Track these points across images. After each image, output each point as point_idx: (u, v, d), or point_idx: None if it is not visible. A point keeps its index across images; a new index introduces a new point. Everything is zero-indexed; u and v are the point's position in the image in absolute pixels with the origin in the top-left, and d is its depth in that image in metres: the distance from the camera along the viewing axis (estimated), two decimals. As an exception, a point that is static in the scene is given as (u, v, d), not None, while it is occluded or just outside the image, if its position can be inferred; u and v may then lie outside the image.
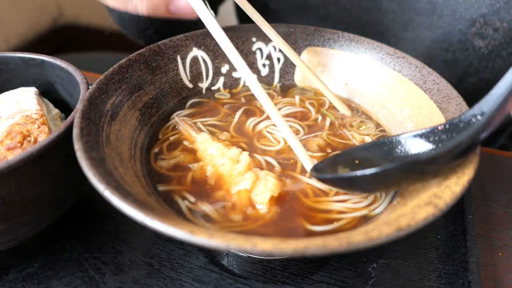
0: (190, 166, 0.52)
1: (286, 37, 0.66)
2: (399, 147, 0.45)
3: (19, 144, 0.49)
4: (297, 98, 0.65)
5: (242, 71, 0.48)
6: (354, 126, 0.59)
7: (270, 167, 0.52)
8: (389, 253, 0.53)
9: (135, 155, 0.51)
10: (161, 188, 0.49)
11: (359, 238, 0.34)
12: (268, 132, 0.58)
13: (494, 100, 0.39)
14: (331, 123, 0.60)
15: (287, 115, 0.62)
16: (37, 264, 0.52)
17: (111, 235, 0.55)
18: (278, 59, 0.68)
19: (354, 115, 0.61)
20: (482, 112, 0.40)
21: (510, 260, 0.53)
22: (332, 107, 0.63)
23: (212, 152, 0.52)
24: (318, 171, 0.47)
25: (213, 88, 0.66)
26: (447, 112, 0.51)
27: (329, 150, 0.55)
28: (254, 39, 0.67)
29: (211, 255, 0.52)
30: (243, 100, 0.65)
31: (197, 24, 0.56)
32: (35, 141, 0.50)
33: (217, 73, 0.66)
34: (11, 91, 0.59)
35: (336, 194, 0.49)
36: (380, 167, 0.41)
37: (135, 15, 0.85)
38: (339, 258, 0.52)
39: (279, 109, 0.63)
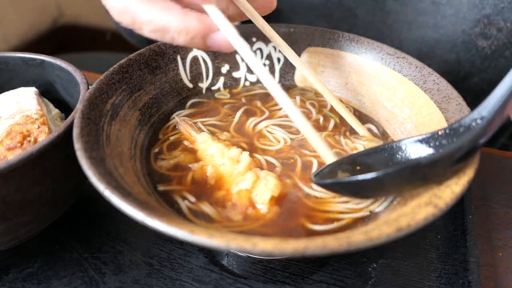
0: (190, 166, 0.52)
1: (286, 37, 0.66)
2: (400, 152, 0.45)
3: (19, 144, 0.49)
4: (297, 98, 0.65)
5: (256, 68, 0.47)
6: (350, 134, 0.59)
7: (271, 167, 0.52)
8: (389, 253, 0.53)
9: (135, 155, 0.51)
10: (161, 188, 0.49)
11: (359, 238, 0.34)
12: (268, 131, 0.58)
13: (493, 104, 0.39)
14: (335, 125, 0.60)
15: (287, 116, 0.62)
16: (37, 264, 0.52)
17: (111, 235, 0.55)
18: (278, 59, 0.68)
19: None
20: (482, 117, 0.40)
21: (510, 260, 0.53)
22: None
23: (212, 152, 0.52)
24: (319, 177, 0.47)
25: (213, 88, 0.66)
26: (447, 112, 0.51)
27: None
28: (254, 39, 0.67)
29: (211, 255, 0.52)
30: (243, 100, 0.65)
31: None
32: (35, 141, 0.50)
33: (217, 73, 0.66)
34: (11, 91, 0.59)
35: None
36: (381, 171, 0.41)
37: None
38: (339, 258, 0.52)
39: (279, 109, 0.63)
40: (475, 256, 0.49)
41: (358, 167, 0.46)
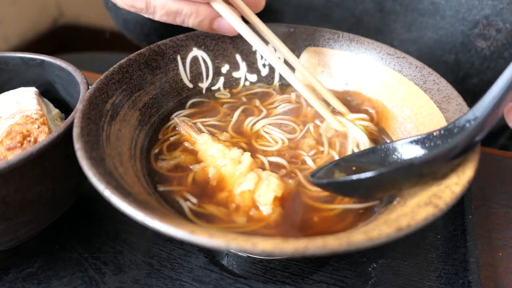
0: (191, 167, 0.52)
1: (286, 37, 0.66)
2: (396, 152, 0.46)
3: (19, 144, 0.49)
4: (293, 95, 0.65)
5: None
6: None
7: (271, 167, 0.52)
8: (389, 253, 0.53)
9: (135, 155, 0.51)
10: (161, 188, 0.49)
11: (359, 238, 0.34)
12: (265, 132, 0.58)
13: (486, 105, 0.40)
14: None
15: (283, 113, 0.62)
16: (37, 264, 0.52)
17: (111, 235, 0.55)
18: (278, 59, 0.68)
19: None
20: (476, 117, 0.41)
21: (510, 260, 0.53)
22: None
23: (213, 153, 0.52)
24: (315, 177, 0.48)
25: (213, 88, 0.66)
26: (447, 112, 0.51)
27: (321, 148, 0.55)
28: (254, 39, 0.67)
29: (211, 255, 0.52)
30: (243, 99, 0.65)
31: None
32: (35, 141, 0.50)
33: (217, 73, 0.66)
34: (11, 91, 0.59)
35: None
36: (376, 171, 0.42)
37: (142, 20, 0.85)
38: (339, 258, 0.52)
39: (275, 107, 0.63)
40: (475, 256, 0.49)
41: (354, 168, 0.47)
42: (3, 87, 0.61)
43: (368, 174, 0.42)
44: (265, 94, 0.66)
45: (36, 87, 0.60)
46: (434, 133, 0.44)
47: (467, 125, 0.42)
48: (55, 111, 0.59)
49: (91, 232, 0.55)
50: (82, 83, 0.53)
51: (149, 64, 0.59)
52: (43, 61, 0.60)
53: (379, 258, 0.52)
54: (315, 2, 0.86)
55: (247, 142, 0.57)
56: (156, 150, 0.55)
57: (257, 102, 0.64)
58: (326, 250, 0.33)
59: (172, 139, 0.57)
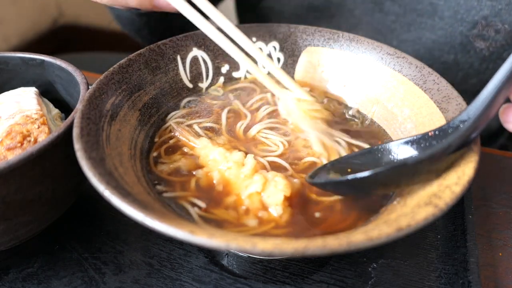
0: (194, 173, 0.51)
1: (286, 37, 0.67)
2: (391, 153, 0.48)
3: (19, 144, 0.49)
4: (268, 95, 0.64)
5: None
6: None
7: (273, 167, 0.52)
8: (389, 253, 0.53)
9: (135, 155, 0.51)
10: (166, 194, 0.48)
11: (359, 238, 0.34)
12: (263, 137, 0.57)
13: (479, 106, 0.41)
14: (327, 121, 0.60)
15: (269, 116, 0.61)
16: (37, 264, 0.52)
17: (111, 235, 0.55)
18: (278, 59, 0.68)
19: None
20: (469, 118, 0.42)
21: (510, 260, 0.53)
22: (330, 102, 0.64)
23: (215, 157, 0.51)
24: (312, 177, 0.49)
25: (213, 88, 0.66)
26: (447, 112, 0.51)
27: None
28: (254, 39, 0.67)
29: (211, 255, 0.52)
30: (231, 96, 0.64)
31: (191, 24, 0.57)
32: (35, 141, 0.50)
33: (217, 73, 0.66)
34: (11, 91, 0.59)
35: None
36: (371, 171, 0.42)
37: (130, 15, 0.86)
38: (339, 258, 0.52)
39: (258, 108, 0.63)
40: (475, 256, 0.49)
41: (350, 168, 0.49)
42: (3, 87, 0.61)
43: (364, 174, 0.43)
44: (253, 90, 0.66)
45: (36, 87, 0.60)
46: (429, 134, 0.45)
47: (461, 125, 0.43)
48: (55, 111, 0.59)
49: (91, 232, 0.55)
50: (82, 83, 0.53)
51: (149, 64, 0.59)
52: (43, 61, 0.60)
53: (379, 258, 0.52)
54: (315, 2, 0.86)
55: (245, 146, 0.56)
56: (155, 154, 0.54)
57: (239, 104, 0.63)
58: (326, 250, 0.33)
59: (171, 142, 0.56)
